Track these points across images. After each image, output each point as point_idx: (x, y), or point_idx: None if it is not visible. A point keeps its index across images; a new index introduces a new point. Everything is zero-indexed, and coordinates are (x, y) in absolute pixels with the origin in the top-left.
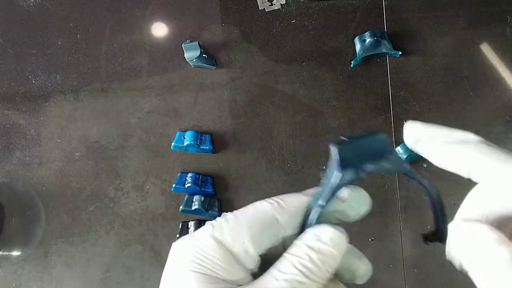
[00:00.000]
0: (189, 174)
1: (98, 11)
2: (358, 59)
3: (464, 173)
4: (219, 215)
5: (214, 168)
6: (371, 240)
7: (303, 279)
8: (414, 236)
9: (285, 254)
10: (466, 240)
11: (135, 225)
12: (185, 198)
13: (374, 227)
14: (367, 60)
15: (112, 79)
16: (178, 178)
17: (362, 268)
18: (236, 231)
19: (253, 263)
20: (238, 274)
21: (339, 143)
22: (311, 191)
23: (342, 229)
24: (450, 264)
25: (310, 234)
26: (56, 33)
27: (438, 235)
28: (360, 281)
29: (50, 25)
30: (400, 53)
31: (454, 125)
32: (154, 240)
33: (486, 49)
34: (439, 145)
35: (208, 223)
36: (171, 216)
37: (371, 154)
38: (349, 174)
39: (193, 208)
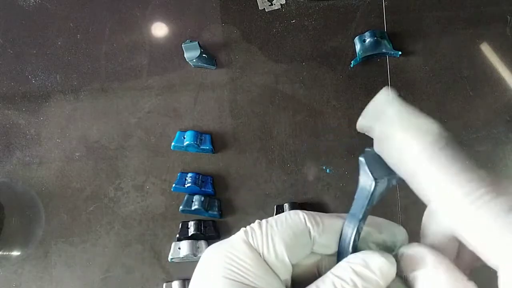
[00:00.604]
0: (189, 174)
1: (98, 11)
2: (358, 59)
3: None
4: (219, 215)
5: (214, 168)
6: None
7: None
8: (414, 236)
9: (328, 274)
10: (409, 263)
11: (135, 225)
12: (185, 198)
13: None
14: (367, 60)
15: (112, 79)
16: (178, 178)
17: (401, 233)
18: (270, 236)
19: (286, 272)
20: (271, 283)
21: (366, 154)
22: (345, 215)
23: (393, 260)
24: None
25: (358, 258)
26: (56, 33)
27: None
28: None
29: (50, 25)
30: (400, 53)
31: (454, 125)
32: (154, 240)
33: (486, 49)
34: (391, 148)
35: (241, 229)
36: (171, 216)
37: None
38: (383, 182)
39: (193, 208)
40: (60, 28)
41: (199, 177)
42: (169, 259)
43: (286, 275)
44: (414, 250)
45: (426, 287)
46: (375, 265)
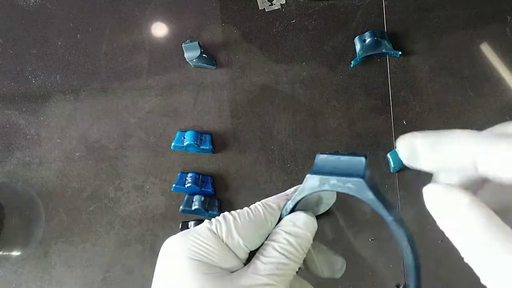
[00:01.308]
0: (189, 174)
1: (98, 11)
2: (358, 59)
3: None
4: (219, 215)
5: (214, 168)
6: (371, 240)
7: (285, 260)
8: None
9: (267, 242)
10: (438, 202)
11: (135, 225)
12: (185, 198)
13: (374, 227)
14: (367, 60)
15: (112, 79)
16: (178, 178)
17: (339, 262)
18: (232, 228)
19: (244, 254)
20: (231, 262)
21: (326, 153)
22: (294, 188)
23: (311, 213)
24: (450, 264)
25: (287, 221)
26: (56, 33)
27: None
28: (338, 274)
29: (50, 25)
30: (400, 53)
31: (454, 125)
32: (154, 240)
33: (486, 49)
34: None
35: (205, 220)
36: (171, 216)
37: (343, 171)
38: (314, 180)
39: (193, 208)
40: (60, 28)
41: (199, 177)
42: None
43: (245, 255)
44: (444, 188)
45: (461, 226)
46: (301, 221)
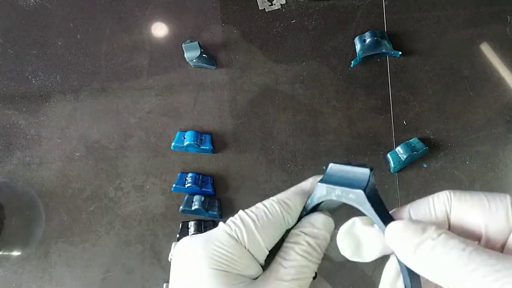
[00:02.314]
0: (189, 174)
1: (98, 11)
2: (358, 59)
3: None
4: (219, 215)
5: (214, 168)
6: None
7: (306, 263)
8: None
9: (286, 244)
10: (406, 235)
11: (135, 225)
12: (185, 198)
13: None
14: (367, 60)
15: (112, 79)
16: (178, 178)
17: None
18: (252, 233)
19: (264, 256)
20: (253, 268)
21: (338, 163)
22: (309, 181)
23: (329, 213)
24: None
25: (305, 223)
26: (56, 33)
27: None
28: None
29: (50, 25)
30: (400, 53)
31: (454, 125)
32: (154, 240)
33: (486, 49)
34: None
35: (222, 224)
36: (171, 216)
37: (348, 182)
38: (322, 189)
39: (193, 208)
40: (60, 28)
41: (199, 177)
42: (169, 259)
43: (263, 259)
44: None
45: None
46: (319, 222)
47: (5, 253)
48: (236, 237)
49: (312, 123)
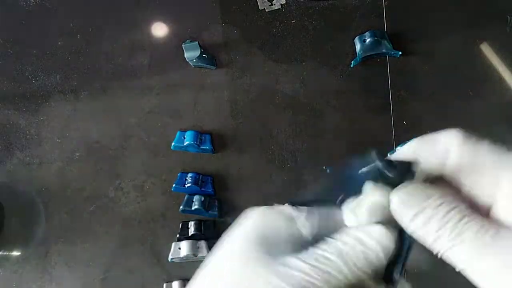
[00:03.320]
0: (189, 174)
1: (98, 11)
2: (358, 59)
3: None
4: (219, 215)
5: (214, 168)
6: None
7: (340, 262)
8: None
9: (334, 236)
10: (409, 200)
11: (135, 225)
12: (185, 198)
13: None
14: (367, 60)
15: (112, 79)
16: (178, 178)
17: None
18: (314, 221)
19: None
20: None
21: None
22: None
23: (393, 232)
24: (450, 264)
25: (361, 233)
26: (56, 33)
27: (389, 277)
28: None
29: (50, 25)
30: (400, 53)
31: (454, 125)
32: (154, 240)
33: (486, 49)
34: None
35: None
36: (171, 216)
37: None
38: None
39: (193, 208)
40: (60, 28)
41: (199, 177)
42: (169, 259)
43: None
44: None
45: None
46: (376, 234)
47: (5, 253)
48: (295, 218)
49: (312, 123)
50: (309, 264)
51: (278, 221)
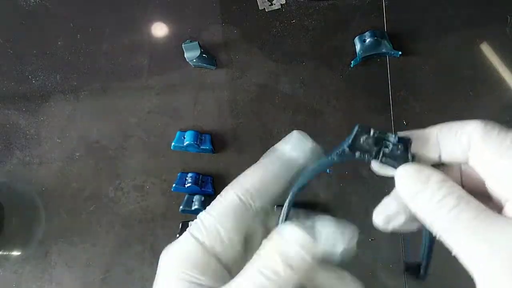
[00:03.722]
0: (189, 174)
1: (98, 11)
2: (358, 59)
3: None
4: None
5: (214, 168)
6: (371, 240)
7: (268, 284)
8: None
9: (254, 256)
10: (411, 180)
11: (135, 225)
12: (185, 198)
13: (374, 227)
14: (367, 60)
15: (112, 79)
16: (178, 178)
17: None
18: (213, 228)
19: (237, 248)
20: (217, 275)
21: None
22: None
23: (310, 234)
24: (450, 264)
25: (274, 232)
26: (56, 33)
27: (419, 271)
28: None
29: (50, 25)
30: (400, 53)
31: None
32: (154, 240)
33: (486, 49)
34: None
35: (189, 225)
36: (171, 216)
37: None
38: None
39: (193, 208)
40: (60, 28)
41: (199, 177)
42: None
43: (235, 254)
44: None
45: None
46: (291, 237)
47: (5, 253)
48: (197, 236)
49: (312, 123)
50: None
51: (188, 256)
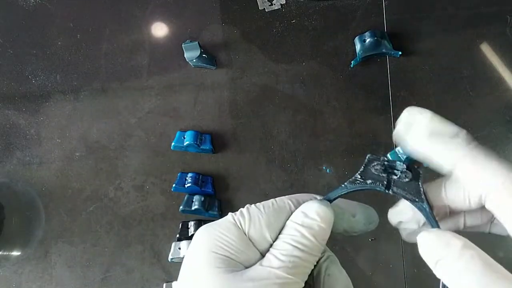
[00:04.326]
0: (189, 174)
1: (98, 11)
2: (358, 59)
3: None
4: (219, 215)
5: (214, 168)
6: (371, 240)
7: (299, 253)
8: None
9: (280, 235)
10: (432, 247)
11: (135, 225)
12: (185, 198)
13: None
14: (367, 60)
15: (112, 79)
16: (178, 178)
17: (373, 215)
18: (255, 218)
19: (267, 244)
20: (251, 256)
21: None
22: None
23: (327, 203)
24: None
25: (298, 212)
26: (56, 33)
27: None
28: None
29: (50, 25)
30: (400, 53)
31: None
32: (154, 240)
33: (486, 49)
34: (425, 136)
35: (229, 213)
36: (171, 216)
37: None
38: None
39: (193, 208)
40: (60, 28)
41: (199, 177)
42: (169, 259)
43: (267, 246)
44: (439, 234)
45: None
46: (312, 212)
47: (5, 253)
48: (238, 223)
49: (312, 123)
50: (278, 267)
51: (224, 233)
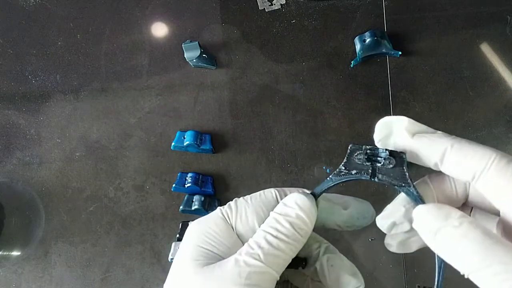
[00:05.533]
0: (189, 174)
1: (98, 11)
2: (358, 59)
3: (432, 162)
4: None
5: (214, 168)
6: (371, 240)
7: (273, 239)
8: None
9: (261, 225)
10: (428, 220)
11: (135, 225)
12: (185, 198)
13: (374, 227)
14: (367, 60)
15: (112, 79)
16: (178, 178)
17: (368, 208)
18: (243, 209)
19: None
20: (235, 248)
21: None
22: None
23: (308, 193)
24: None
25: (279, 203)
26: (56, 33)
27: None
28: (368, 221)
29: (50, 25)
30: (400, 53)
31: (454, 125)
32: (154, 240)
33: (486, 49)
34: (408, 136)
35: (218, 207)
36: (171, 216)
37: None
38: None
39: (193, 208)
40: (60, 28)
41: (199, 177)
42: (169, 259)
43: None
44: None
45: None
46: (290, 201)
47: (5, 253)
48: (226, 217)
49: (312, 123)
50: (248, 254)
51: (211, 227)
